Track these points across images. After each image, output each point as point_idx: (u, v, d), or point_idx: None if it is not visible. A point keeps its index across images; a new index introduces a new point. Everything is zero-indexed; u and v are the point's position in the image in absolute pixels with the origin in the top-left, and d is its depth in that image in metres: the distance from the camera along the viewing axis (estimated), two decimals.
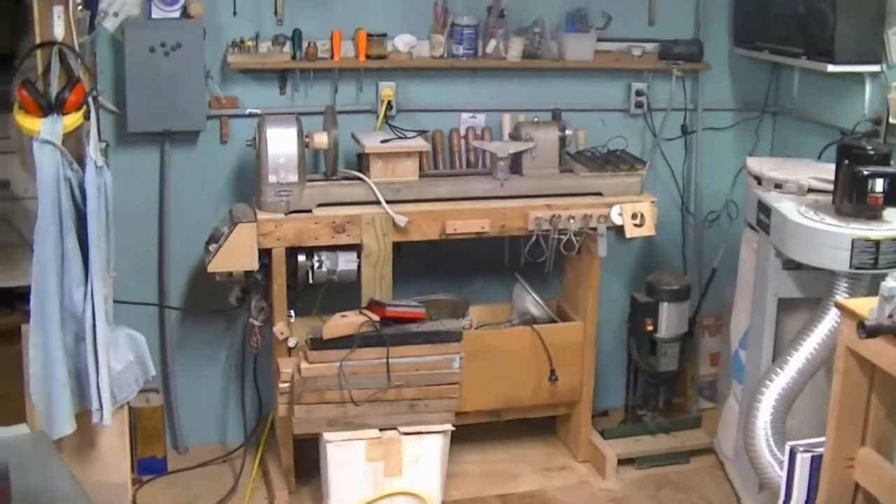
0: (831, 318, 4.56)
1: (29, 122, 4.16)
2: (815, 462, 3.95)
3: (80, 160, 4.25)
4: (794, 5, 5.34)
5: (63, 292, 4.27)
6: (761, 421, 4.71)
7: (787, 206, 4.76)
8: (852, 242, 4.40)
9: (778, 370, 4.71)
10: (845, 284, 4.54)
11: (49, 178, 4.14)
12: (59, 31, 4.21)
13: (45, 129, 4.14)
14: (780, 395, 4.69)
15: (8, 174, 5.20)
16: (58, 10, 4.19)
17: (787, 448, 4.07)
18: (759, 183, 5.07)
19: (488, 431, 5.70)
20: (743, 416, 4.96)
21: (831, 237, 4.46)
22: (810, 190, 4.91)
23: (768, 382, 4.72)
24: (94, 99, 4.42)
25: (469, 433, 5.43)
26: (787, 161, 5.31)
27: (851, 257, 4.41)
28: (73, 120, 4.22)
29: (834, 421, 3.82)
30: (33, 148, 4.15)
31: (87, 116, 4.28)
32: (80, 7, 4.43)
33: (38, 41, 4.23)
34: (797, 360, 4.67)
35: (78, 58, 4.26)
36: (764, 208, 4.90)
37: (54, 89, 4.21)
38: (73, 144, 4.25)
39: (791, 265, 4.81)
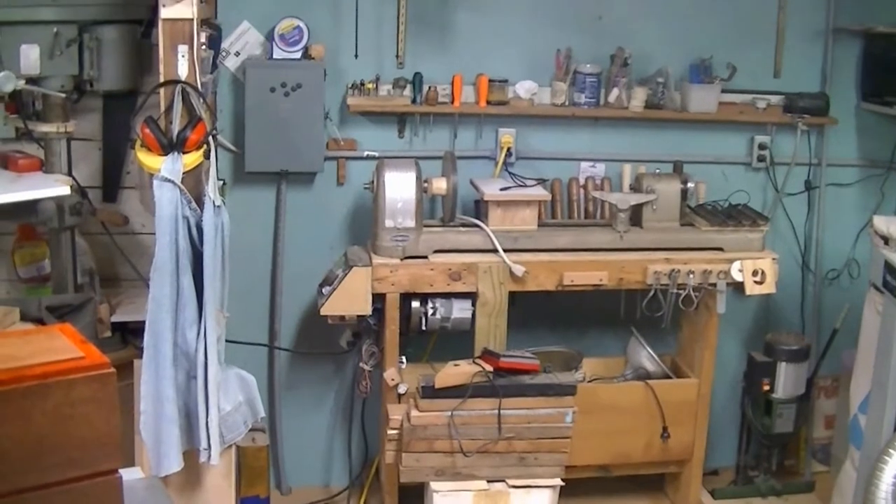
0: None
1: (150, 160, 4.17)
2: None
3: (199, 199, 4.25)
4: None
5: (176, 330, 4.26)
6: (883, 490, 4.54)
7: None
8: None
9: None
10: None
11: (168, 217, 4.14)
12: (182, 70, 4.22)
13: (166, 168, 4.14)
14: None
15: (127, 209, 5.22)
16: (182, 50, 4.20)
17: None
18: (887, 243, 4.94)
19: (596, 486, 5.60)
20: (862, 483, 4.81)
21: None
22: None
23: (891, 451, 4.55)
24: (214, 138, 4.41)
25: (577, 487, 5.31)
26: None
27: None
28: (193, 159, 4.22)
29: None
30: (153, 185, 4.16)
31: (206, 156, 4.28)
32: (203, 46, 4.43)
33: (161, 79, 4.25)
34: None
35: (200, 97, 4.26)
36: (891, 269, 4.77)
37: (176, 128, 4.21)
38: (193, 183, 4.26)
39: None
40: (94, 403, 2.54)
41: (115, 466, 2.65)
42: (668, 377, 5.47)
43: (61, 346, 2.68)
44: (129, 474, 2.93)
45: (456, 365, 4.86)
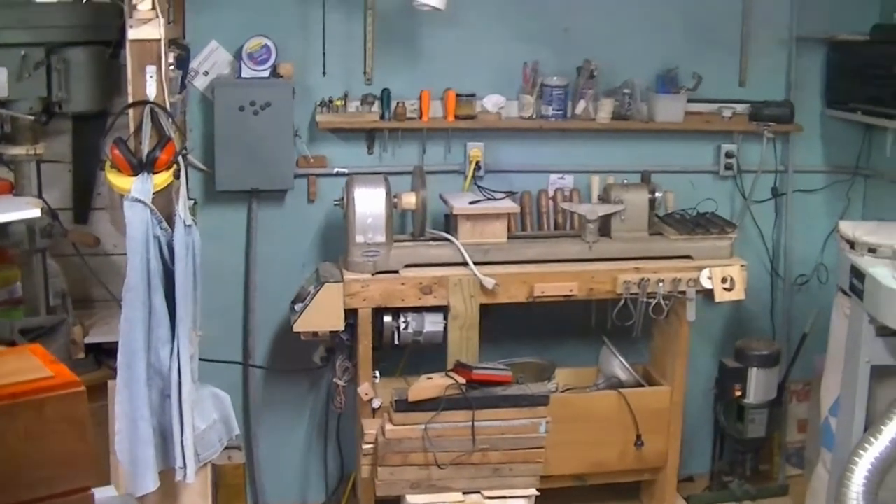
0: None
1: (120, 181, 4.19)
2: None
3: (170, 219, 4.26)
4: (890, 67, 5.29)
5: (150, 350, 4.26)
6: (853, 492, 4.59)
7: (881, 272, 4.66)
8: None
9: (871, 439, 4.60)
10: None
11: (139, 237, 4.16)
12: (151, 91, 4.24)
13: (136, 188, 4.16)
14: (874, 466, 4.58)
15: (98, 230, 5.22)
16: (151, 70, 4.22)
17: None
18: (853, 247, 4.97)
19: (572, 495, 5.59)
20: (834, 485, 4.85)
21: None
22: None
23: (861, 452, 4.61)
24: (184, 157, 4.43)
25: (553, 497, 5.30)
26: (882, 225, 5.19)
27: None
28: (163, 179, 4.24)
29: None
30: (124, 206, 4.17)
31: (177, 175, 4.30)
32: (172, 67, 4.45)
33: (130, 100, 4.26)
34: (891, 429, 4.56)
35: (169, 117, 4.28)
36: (857, 273, 4.80)
37: (146, 148, 4.23)
38: (163, 203, 4.27)
39: (885, 332, 4.70)
40: (66, 422, 2.56)
41: (88, 484, 2.66)
42: (641, 386, 5.50)
43: (32, 366, 2.70)
44: (103, 493, 2.95)
45: (429, 378, 4.87)
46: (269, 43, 5.20)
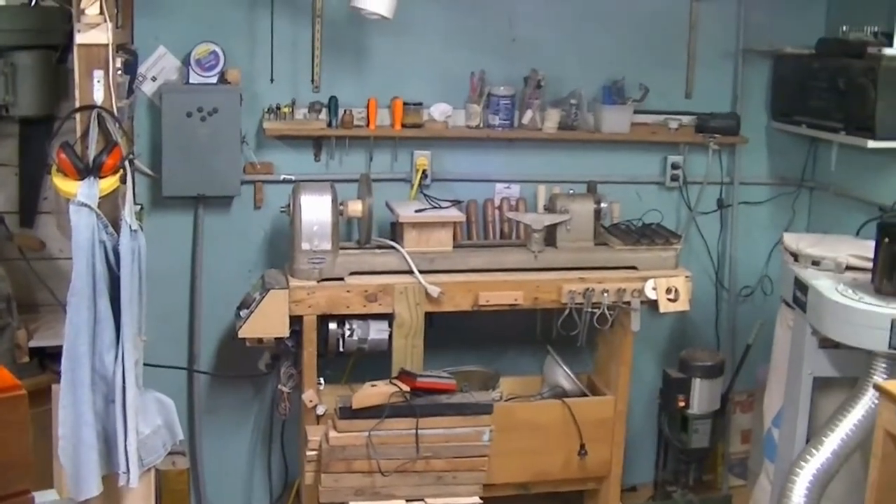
0: (868, 399, 4.48)
1: (66, 185, 4.16)
2: None
3: (116, 223, 4.24)
4: (835, 80, 5.33)
5: (94, 355, 4.23)
6: (794, 503, 4.63)
7: (824, 284, 4.69)
8: (892, 323, 4.32)
9: (813, 451, 4.63)
10: (884, 365, 4.45)
11: (84, 241, 4.13)
12: (98, 96, 4.21)
13: (82, 193, 4.13)
14: (815, 477, 4.61)
15: (44, 234, 5.19)
16: (98, 75, 4.20)
17: None
18: (796, 259, 5.01)
19: None
20: (776, 496, 4.89)
21: (870, 317, 4.39)
22: (848, 267, 4.83)
23: (802, 463, 4.64)
24: (131, 162, 4.41)
25: None
26: (825, 237, 5.24)
27: (891, 338, 4.33)
28: (109, 183, 4.21)
29: None
30: (70, 210, 4.14)
31: (123, 180, 4.28)
32: (119, 72, 4.43)
33: (77, 105, 4.24)
34: (832, 441, 4.59)
35: (116, 122, 4.26)
36: (800, 285, 4.84)
37: (92, 153, 4.20)
38: (109, 208, 4.24)
39: (827, 344, 4.72)
40: (5, 426, 2.55)
41: (28, 488, 2.65)
42: (585, 395, 5.51)
43: None
44: (44, 497, 2.94)
45: (373, 385, 4.88)
46: (217, 49, 5.19)
